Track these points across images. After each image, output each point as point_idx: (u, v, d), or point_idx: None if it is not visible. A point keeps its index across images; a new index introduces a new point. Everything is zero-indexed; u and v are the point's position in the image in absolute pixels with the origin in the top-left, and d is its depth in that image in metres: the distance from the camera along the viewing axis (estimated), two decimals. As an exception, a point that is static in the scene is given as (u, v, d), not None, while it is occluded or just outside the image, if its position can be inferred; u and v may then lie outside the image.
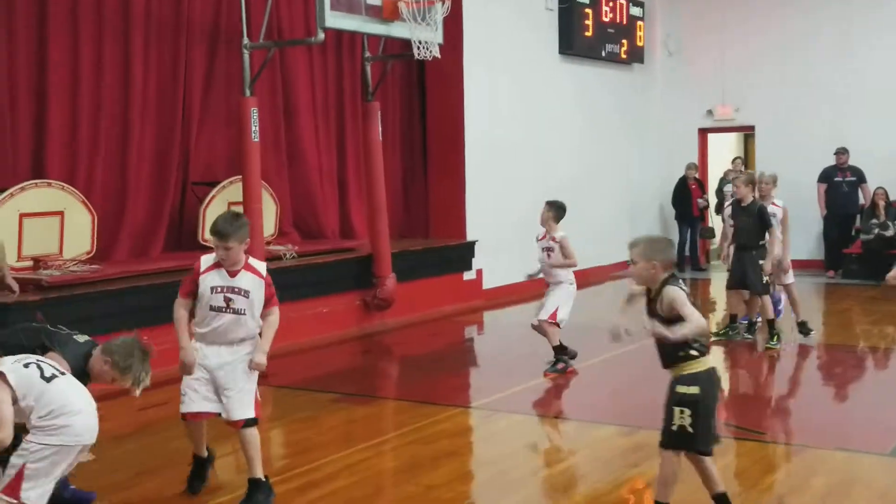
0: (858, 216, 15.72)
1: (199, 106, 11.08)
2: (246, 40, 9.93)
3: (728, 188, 16.89)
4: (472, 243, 13.46)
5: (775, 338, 10.08)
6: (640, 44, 17.04)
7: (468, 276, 13.41)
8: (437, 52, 10.86)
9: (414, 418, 7.63)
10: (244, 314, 5.54)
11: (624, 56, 16.64)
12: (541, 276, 9.31)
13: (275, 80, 11.77)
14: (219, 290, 5.53)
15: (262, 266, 5.68)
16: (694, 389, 4.84)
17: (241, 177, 10.16)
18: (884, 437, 6.94)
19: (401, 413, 8.13)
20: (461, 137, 13.59)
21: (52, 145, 9.60)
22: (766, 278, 9.87)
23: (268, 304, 5.63)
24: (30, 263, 8.95)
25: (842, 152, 15.79)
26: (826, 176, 15.96)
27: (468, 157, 13.60)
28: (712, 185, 17.60)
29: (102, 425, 7.22)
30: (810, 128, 16.53)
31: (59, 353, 5.14)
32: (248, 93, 9.94)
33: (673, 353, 4.91)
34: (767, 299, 10.03)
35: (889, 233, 15.12)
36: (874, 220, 15.25)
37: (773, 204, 10.26)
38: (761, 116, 17.35)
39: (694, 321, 4.76)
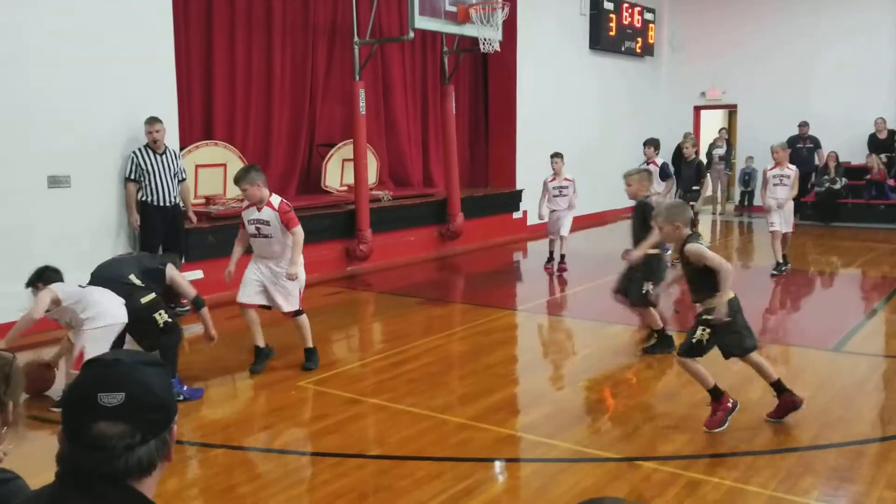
0: (814, 174, 15.30)
1: (322, 87, 11.10)
2: (356, 38, 9.92)
3: (716, 151, 16.58)
4: (520, 191, 13.40)
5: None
6: (651, 41, 16.59)
7: (516, 215, 13.38)
8: (497, 47, 10.73)
9: (476, 317, 7.74)
10: (271, 237, 5.73)
11: (638, 51, 16.21)
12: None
13: (376, 67, 11.72)
14: (251, 222, 5.83)
15: (276, 201, 5.75)
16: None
17: (351, 140, 10.22)
18: (827, 336, 6.88)
19: (466, 313, 8.24)
20: (513, 111, 13.45)
21: (217, 116, 9.74)
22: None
23: (287, 227, 5.69)
24: (203, 201, 9.18)
25: (803, 125, 15.33)
26: (791, 142, 15.33)
27: (518, 126, 13.47)
28: (703, 150, 17.19)
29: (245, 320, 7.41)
30: (780, 105, 16.02)
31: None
32: (357, 77, 9.94)
33: (702, 291, 4.74)
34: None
35: (837, 186, 14.80)
36: (826, 177, 14.89)
37: (787, 167, 9.84)
38: (743, 97, 16.85)
39: (724, 269, 4.57)
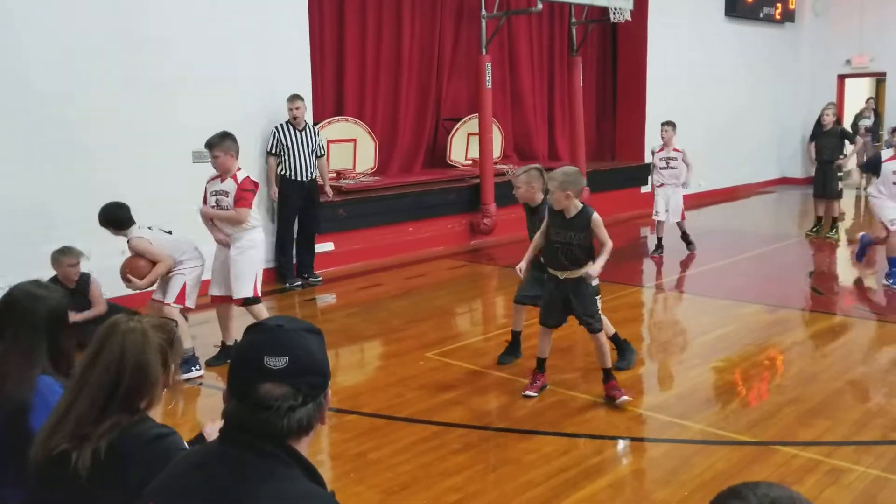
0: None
1: (448, 61, 11.07)
2: (483, 11, 9.83)
3: (862, 122, 15.41)
4: (649, 164, 12.87)
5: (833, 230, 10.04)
6: (791, 7, 15.52)
7: (644, 189, 12.94)
8: (628, 17, 10.39)
9: (604, 293, 7.50)
10: (228, 210, 5.33)
11: (778, 17, 15.22)
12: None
13: (502, 41, 11.57)
14: (213, 193, 5.43)
15: (242, 175, 5.34)
16: (597, 282, 4.83)
17: (477, 114, 10.17)
18: None
19: (593, 289, 8.05)
20: (643, 84, 12.96)
21: (348, 92, 9.89)
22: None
23: (235, 203, 5.29)
24: (333, 175, 9.39)
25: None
26: (950, 113, 14.17)
27: (648, 97, 12.98)
28: (848, 121, 16.02)
29: (380, 289, 7.62)
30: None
31: None
32: (483, 51, 9.87)
33: (579, 260, 4.70)
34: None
35: None
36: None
37: (674, 149, 9.15)
38: (893, 64, 15.51)
39: (609, 244, 4.76)
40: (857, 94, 16.82)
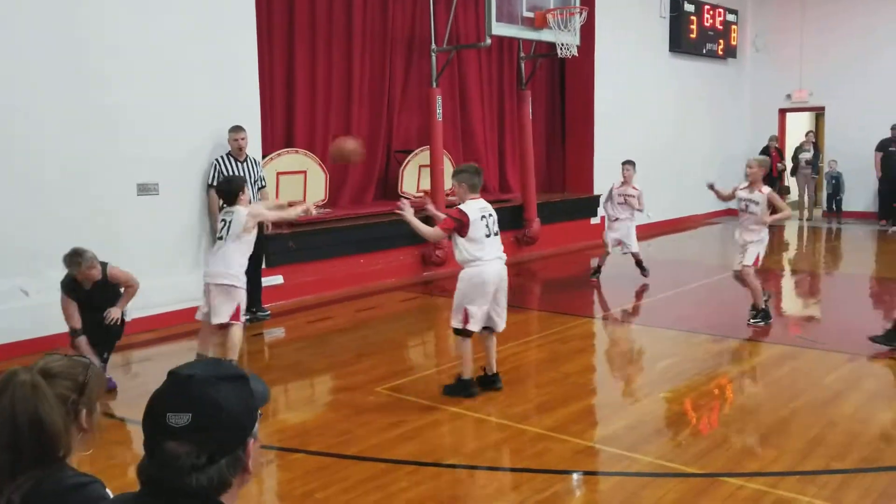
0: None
1: (399, 94, 11.14)
2: (433, 45, 9.93)
3: (803, 155, 15.93)
4: (598, 196, 13.12)
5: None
6: (733, 43, 16.06)
7: (594, 220, 13.13)
8: (575, 52, 10.56)
9: (553, 324, 7.60)
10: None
11: (721, 53, 15.72)
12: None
13: (453, 74, 11.71)
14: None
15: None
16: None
17: (428, 146, 10.23)
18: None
19: (543, 320, 8.09)
20: (591, 117, 13.22)
21: (298, 124, 9.86)
22: None
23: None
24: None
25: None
26: (882, 146, 14.77)
27: (596, 131, 13.23)
28: (789, 153, 16.57)
29: (330, 323, 7.54)
30: (871, 106, 15.24)
31: None
32: (434, 84, 9.96)
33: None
34: None
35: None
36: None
37: (633, 187, 9.43)
38: (831, 98, 16.10)
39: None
40: (798, 128, 17.40)
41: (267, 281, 8.23)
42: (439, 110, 9.93)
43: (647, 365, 6.58)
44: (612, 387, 6.01)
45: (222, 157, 7.73)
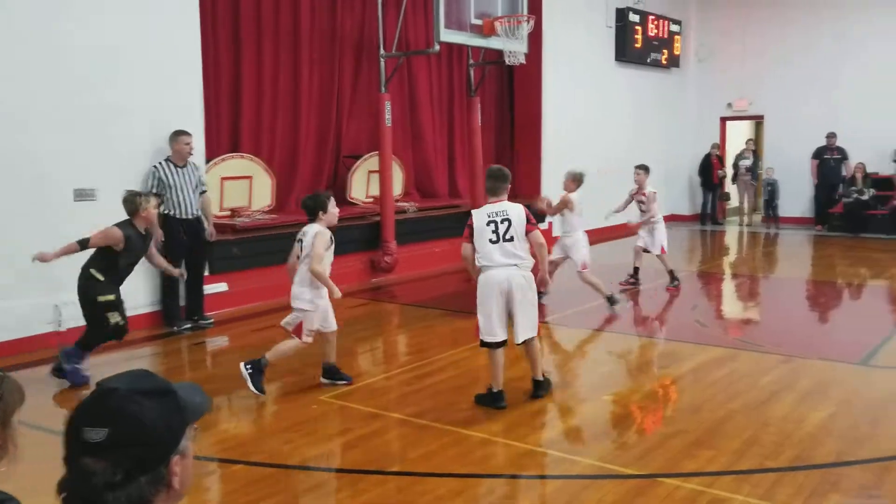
0: (841, 185, 15.05)
1: (349, 99, 11.11)
2: (382, 51, 9.92)
3: (743, 162, 16.35)
4: (546, 202, 13.28)
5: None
6: (677, 53, 16.40)
7: (542, 226, 13.19)
8: (522, 60, 10.67)
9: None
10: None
11: (665, 62, 16.04)
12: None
13: (402, 80, 11.73)
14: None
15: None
16: None
17: (377, 152, 10.21)
18: (855, 350, 6.69)
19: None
20: (539, 123, 13.35)
21: (244, 128, 9.76)
22: None
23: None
24: (228, 213, 9.20)
25: (831, 136, 15.14)
26: (818, 153, 15.32)
27: (544, 137, 13.37)
28: (729, 160, 17.00)
29: (276, 331, 7.44)
30: (807, 116, 15.75)
31: None
32: (383, 90, 9.95)
33: None
34: None
35: (865, 197, 14.58)
36: (853, 188, 14.66)
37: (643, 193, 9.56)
38: (769, 108, 16.58)
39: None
40: (739, 136, 17.86)
41: (210, 288, 8.10)
42: (388, 116, 9.93)
43: (590, 368, 6.66)
44: (557, 390, 6.06)
45: (161, 164, 7.53)
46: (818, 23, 15.75)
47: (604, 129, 14.57)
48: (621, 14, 14.73)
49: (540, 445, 4.69)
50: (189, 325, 7.60)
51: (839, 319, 8.77)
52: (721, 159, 16.72)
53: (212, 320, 7.80)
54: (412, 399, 5.52)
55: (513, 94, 13.77)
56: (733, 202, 17.24)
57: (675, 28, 16.19)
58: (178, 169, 7.57)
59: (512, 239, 5.15)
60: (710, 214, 16.62)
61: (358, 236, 9.99)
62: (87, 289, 5.71)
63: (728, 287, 10.64)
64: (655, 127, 16.18)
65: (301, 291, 5.55)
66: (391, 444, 4.79)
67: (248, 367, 5.48)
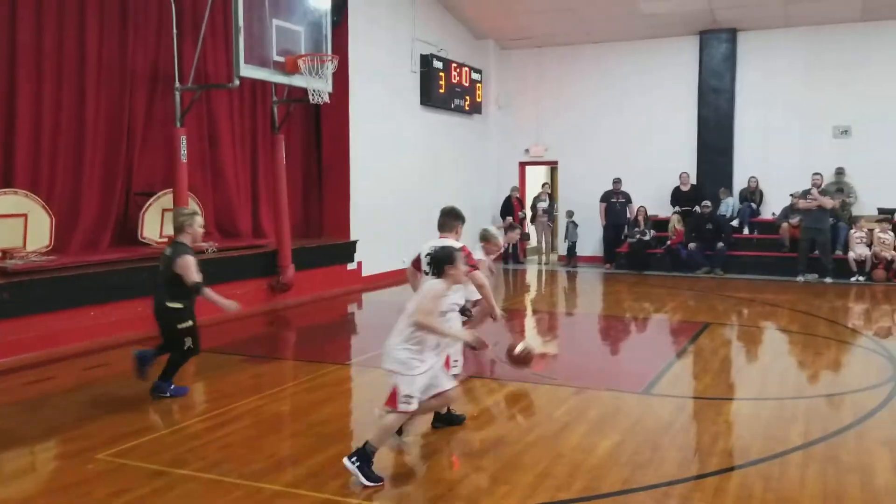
0: (626, 226, 16.32)
1: (141, 133, 10.43)
2: (177, 83, 9.46)
3: (540, 204, 17.28)
4: (354, 242, 13.22)
5: None
6: (478, 99, 17.13)
7: (350, 266, 13.16)
8: (327, 99, 10.59)
9: (305, 373, 7.41)
10: None
11: (467, 108, 16.68)
12: None
13: (202, 114, 11.25)
14: None
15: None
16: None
17: (172, 189, 9.65)
18: (639, 380, 7.13)
19: (295, 369, 7.89)
20: (346, 163, 13.32)
21: (19, 162, 8.88)
22: None
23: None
24: (-1, 254, 8.28)
25: (617, 181, 16.42)
26: (605, 197, 16.54)
27: (352, 177, 13.34)
28: (528, 202, 17.91)
29: (51, 384, 6.71)
30: (596, 163, 17.06)
31: None
32: (178, 124, 9.46)
33: None
34: None
35: (646, 238, 15.88)
36: (636, 229, 15.94)
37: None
38: (563, 154, 17.74)
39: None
40: (536, 179, 18.91)
41: (-27, 338, 7.17)
42: (184, 151, 9.43)
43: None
44: (362, 433, 5.90)
45: None
46: (604, 75, 17.16)
47: (410, 170, 14.84)
48: (426, 60, 15.16)
49: (334, 494, 4.49)
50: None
51: (625, 351, 9.37)
52: (521, 201, 17.57)
53: None
54: (200, 453, 5.12)
55: (320, 133, 13.65)
56: (533, 241, 18.15)
57: (476, 76, 16.92)
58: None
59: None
60: (513, 254, 17.35)
61: (150, 279, 9.30)
62: (168, 321, 6.30)
63: (528, 323, 11.07)
64: (459, 170, 16.72)
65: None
66: (174, 503, 4.39)
67: (354, 459, 4.59)
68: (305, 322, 10.76)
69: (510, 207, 17.22)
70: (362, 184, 13.43)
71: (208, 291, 6.18)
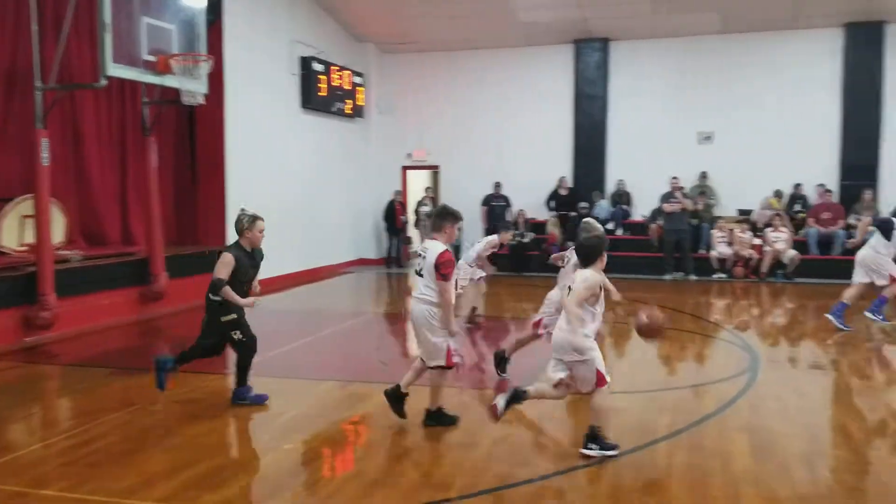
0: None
1: (-3, 134, 9.82)
2: (38, 83, 8.93)
3: (422, 209, 17.42)
4: (232, 248, 12.86)
5: None
6: (360, 103, 17.10)
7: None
8: (202, 100, 10.28)
9: (182, 384, 7.12)
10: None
11: (349, 112, 16.62)
12: None
13: (66, 116, 10.67)
14: None
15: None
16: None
17: (33, 194, 9.10)
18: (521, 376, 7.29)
19: (171, 381, 7.57)
20: (222, 167, 12.98)
21: None
22: None
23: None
24: None
25: (497, 185, 16.86)
26: (487, 200, 16.91)
27: (228, 180, 13.01)
28: (411, 206, 18.03)
29: None
30: (478, 166, 17.41)
31: None
32: (39, 125, 8.93)
33: None
34: None
35: (526, 240, 16.34)
36: (516, 231, 16.38)
37: None
38: (444, 158, 17.99)
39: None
40: (419, 183, 19.05)
41: None
42: (46, 154, 8.91)
43: (273, 418, 6.45)
44: (240, 444, 5.78)
45: None
46: (484, 81, 17.53)
47: (291, 175, 14.63)
48: (306, 62, 14.99)
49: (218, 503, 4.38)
50: None
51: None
52: (403, 206, 17.67)
53: None
54: (65, 471, 4.85)
55: (194, 135, 13.23)
56: (415, 246, 18.28)
57: (358, 80, 16.88)
58: None
59: (421, 274, 5.62)
60: (396, 258, 17.41)
61: (8, 290, 8.75)
62: (211, 314, 6.39)
63: (411, 327, 11.12)
64: (342, 173, 16.65)
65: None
66: (36, 527, 4.15)
67: (591, 446, 5.10)
68: (180, 331, 10.37)
69: (393, 212, 17.29)
70: (239, 188, 13.11)
71: (228, 290, 6.13)
